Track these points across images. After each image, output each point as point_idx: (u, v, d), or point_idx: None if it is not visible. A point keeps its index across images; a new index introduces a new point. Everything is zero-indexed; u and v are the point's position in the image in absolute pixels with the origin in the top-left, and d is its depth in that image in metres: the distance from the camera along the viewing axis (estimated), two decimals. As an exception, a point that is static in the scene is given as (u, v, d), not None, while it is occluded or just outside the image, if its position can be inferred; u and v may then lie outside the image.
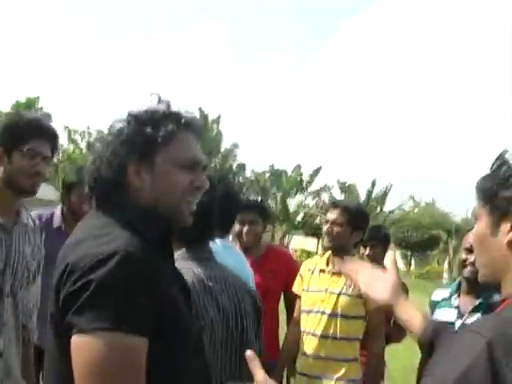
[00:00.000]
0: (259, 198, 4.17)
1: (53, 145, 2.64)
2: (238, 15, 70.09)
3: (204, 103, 47.35)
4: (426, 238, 43.29)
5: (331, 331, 3.67)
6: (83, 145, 31.88)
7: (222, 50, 73.71)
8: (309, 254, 39.61)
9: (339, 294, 3.68)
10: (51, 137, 2.59)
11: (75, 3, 70.37)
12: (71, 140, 31.83)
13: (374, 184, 40.53)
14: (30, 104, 30.93)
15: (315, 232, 40.74)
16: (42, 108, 31.33)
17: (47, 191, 32.79)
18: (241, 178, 36.71)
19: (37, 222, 2.92)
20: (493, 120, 71.68)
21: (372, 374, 3.80)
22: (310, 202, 40.31)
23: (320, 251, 40.94)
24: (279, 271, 4.19)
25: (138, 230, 1.48)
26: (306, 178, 39.17)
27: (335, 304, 3.67)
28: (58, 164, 30.78)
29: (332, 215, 3.75)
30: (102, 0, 68.90)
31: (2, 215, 2.58)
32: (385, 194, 40.61)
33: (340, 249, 3.75)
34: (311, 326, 3.75)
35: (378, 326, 3.76)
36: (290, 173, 39.10)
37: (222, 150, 35.51)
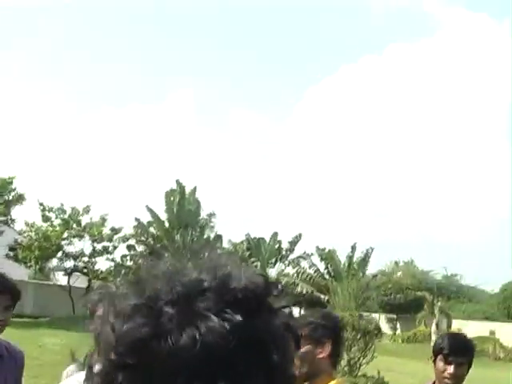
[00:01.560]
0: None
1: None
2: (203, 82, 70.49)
3: (181, 175, 47.28)
4: (410, 299, 43.02)
5: None
6: (57, 222, 31.42)
7: (191, 117, 74.31)
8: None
9: None
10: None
11: (46, 82, 70.66)
12: (45, 218, 31.38)
13: (354, 248, 40.39)
14: (4, 184, 30.64)
15: (297, 300, 40.27)
16: (15, 189, 31.06)
17: (21, 271, 32.21)
18: (218, 250, 36.32)
19: None
20: (470, 179, 72.64)
21: None
22: (291, 270, 39.98)
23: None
24: None
25: None
26: (284, 245, 39.01)
27: None
28: (33, 242, 30.29)
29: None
30: (72, 76, 69.09)
31: None
32: (366, 258, 40.39)
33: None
34: None
35: None
36: (267, 241, 38.88)
37: (200, 221, 35.30)
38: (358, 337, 15.96)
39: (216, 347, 0.75)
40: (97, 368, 0.80)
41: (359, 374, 15.56)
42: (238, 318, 0.77)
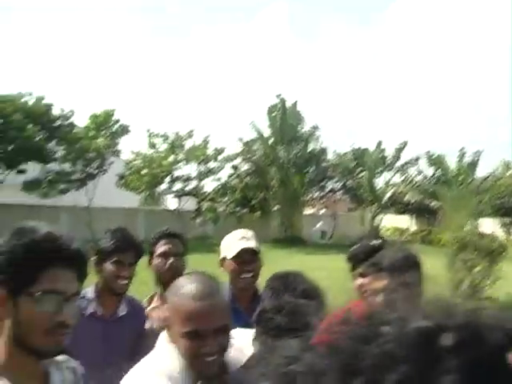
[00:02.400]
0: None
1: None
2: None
3: (282, 90, 46.46)
4: (524, 202, 41.26)
5: None
6: (163, 148, 31.79)
7: (285, 31, 72.53)
8: (402, 232, 38.51)
9: None
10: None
11: (136, 7, 70.55)
12: (151, 144, 31.80)
13: (463, 152, 38.75)
14: (107, 116, 31.09)
15: (406, 209, 39.52)
16: (118, 120, 31.45)
17: (132, 198, 33.09)
18: (323, 163, 35.79)
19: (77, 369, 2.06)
20: None
21: None
22: (398, 178, 38.97)
23: (414, 228, 39.75)
24: None
25: None
26: (390, 153, 37.86)
27: None
28: (141, 169, 30.87)
29: (378, 284, 2.83)
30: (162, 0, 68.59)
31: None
32: (475, 161, 38.73)
33: None
34: None
35: None
36: (373, 150, 37.90)
37: (303, 134, 34.63)
38: (481, 257, 15.20)
39: None
40: None
41: (483, 296, 14.93)
42: None
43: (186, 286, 2.16)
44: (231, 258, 3.37)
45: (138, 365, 2.24)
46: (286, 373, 0.61)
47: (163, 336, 2.25)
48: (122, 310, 3.48)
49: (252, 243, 3.42)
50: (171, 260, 3.59)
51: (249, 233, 3.51)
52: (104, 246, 3.38)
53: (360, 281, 3.23)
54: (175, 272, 3.42)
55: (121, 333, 3.42)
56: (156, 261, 3.62)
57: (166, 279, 3.43)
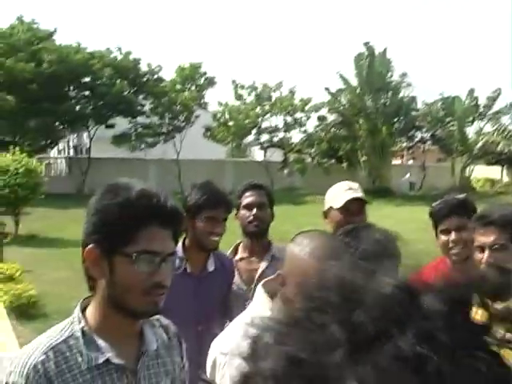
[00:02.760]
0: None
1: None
2: None
3: (369, 37, 45.36)
4: None
5: None
6: (249, 99, 31.65)
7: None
8: (493, 184, 37.29)
9: None
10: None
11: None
12: (238, 96, 31.71)
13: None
14: (194, 69, 31.17)
15: (498, 159, 38.17)
16: (205, 73, 31.47)
17: (219, 150, 33.23)
18: (412, 112, 34.82)
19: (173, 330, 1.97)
20: None
21: None
22: (489, 128, 37.50)
23: (506, 179, 38.41)
24: None
25: None
26: (482, 102, 36.40)
27: None
28: (228, 121, 30.90)
29: (489, 237, 2.54)
30: None
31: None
32: None
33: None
34: None
35: None
36: (463, 99, 36.51)
37: (391, 83, 33.67)
38: None
39: None
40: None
41: None
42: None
43: (311, 244, 1.97)
44: (337, 209, 3.29)
45: (235, 320, 2.20)
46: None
47: (260, 290, 2.19)
48: (211, 266, 3.43)
49: (359, 193, 3.36)
50: (255, 211, 3.53)
51: (355, 184, 3.47)
52: (194, 201, 3.28)
53: (444, 238, 3.11)
54: (260, 223, 3.50)
55: (211, 289, 3.39)
56: (241, 212, 3.58)
57: (250, 230, 3.51)
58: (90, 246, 1.67)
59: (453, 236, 3.09)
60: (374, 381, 0.53)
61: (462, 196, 3.21)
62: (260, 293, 2.20)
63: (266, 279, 2.29)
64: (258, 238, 3.57)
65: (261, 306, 2.15)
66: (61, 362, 1.64)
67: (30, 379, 1.58)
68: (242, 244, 3.68)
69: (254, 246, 3.59)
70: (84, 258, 1.70)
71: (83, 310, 1.76)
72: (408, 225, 17.61)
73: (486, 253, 2.57)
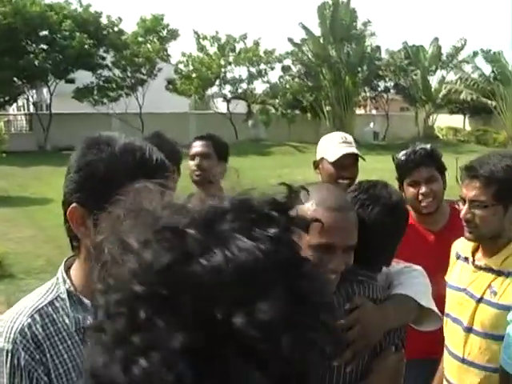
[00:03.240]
0: None
1: None
2: None
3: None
4: None
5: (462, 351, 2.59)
6: (212, 50, 31.20)
7: None
8: (456, 132, 37.68)
9: (479, 301, 2.54)
10: None
11: None
12: (200, 47, 31.22)
13: (521, 47, 37.13)
14: (156, 21, 30.53)
15: (460, 108, 38.53)
16: (168, 25, 30.84)
17: (182, 103, 32.85)
18: (376, 61, 34.73)
19: None
20: None
21: None
22: (452, 76, 37.68)
23: (468, 128, 38.83)
24: None
25: None
26: (446, 51, 36.52)
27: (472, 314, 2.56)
28: (191, 73, 30.49)
29: (471, 192, 2.51)
30: None
31: None
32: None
33: (490, 237, 2.57)
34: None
35: None
36: (427, 48, 36.57)
37: (355, 33, 33.46)
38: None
39: (250, 267, 0.67)
40: (107, 302, 0.69)
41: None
42: (269, 234, 0.70)
43: (320, 194, 1.92)
44: (331, 162, 3.21)
45: None
46: None
47: None
48: None
49: (354, 148, 3.27)
50: (197, 161, 3.61)
51: (349, 137, 3.37)
52: None
53: (413, 190, 3.07)
54: (202, 172, 3.58)
55: None
56: (188, 163, 3.68)
57: (193, 179, 3.60)
58: (74, 205, 1.57)
59: (423, 189, 3.05)
60: None
61: (428, 146, 3.15)
62: None
63: None
64: (203, 186, 3.60)
65: None
66: (48, 325, 1.57)
67: (18, 344, 1.51)
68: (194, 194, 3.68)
69: (202, 196, 3.57)
70: (67, 218, 1.60)
71: (67, 271, 1.68)
72: (371, 174, 17.80)
73: (466, 206, 2.54)
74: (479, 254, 2.64)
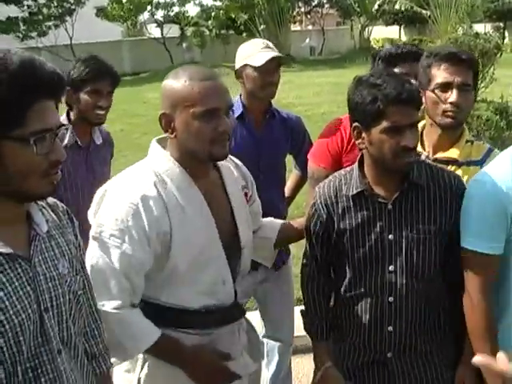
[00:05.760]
0: None
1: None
2: None
3: None
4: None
5: None
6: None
7: None
8: (392, 42, 37.79)
9: None
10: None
11: None
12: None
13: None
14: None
15: (395, 19, 38.57)
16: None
17: (114, 30, 32.01)
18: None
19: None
20: None
21: None
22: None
23: (404, 38, 38.94)
24: None
25: None
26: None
27: None
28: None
29: (459, 77, 2.52)
30: None
31: None
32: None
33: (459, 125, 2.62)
34: None
35: None
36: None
37: None
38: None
39: None
40: None
41: (478, 99, 14.83)
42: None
43: (189, 71, 2.17)
44: (256, 67, 3.20)
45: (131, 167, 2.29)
46: None
47: (154, 144, 2.28)
48: (98, 139, 3.45)
49: (276, 52, 3.28)
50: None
51: (270, 43, 3.36)
52: (78, 74, 3.22)
53: None
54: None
55: (101, 161, 3.47)
56: None
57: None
58: None
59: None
60: None
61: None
62: (154, 146, 2.28)
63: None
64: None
65: (156, 156, 2.24)
66: None
67: None
68: None
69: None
70: None
71: None
72: (310, 88, 17.87)
73: (455, 92, 2.52)
74: (436, 148, 2.64)
